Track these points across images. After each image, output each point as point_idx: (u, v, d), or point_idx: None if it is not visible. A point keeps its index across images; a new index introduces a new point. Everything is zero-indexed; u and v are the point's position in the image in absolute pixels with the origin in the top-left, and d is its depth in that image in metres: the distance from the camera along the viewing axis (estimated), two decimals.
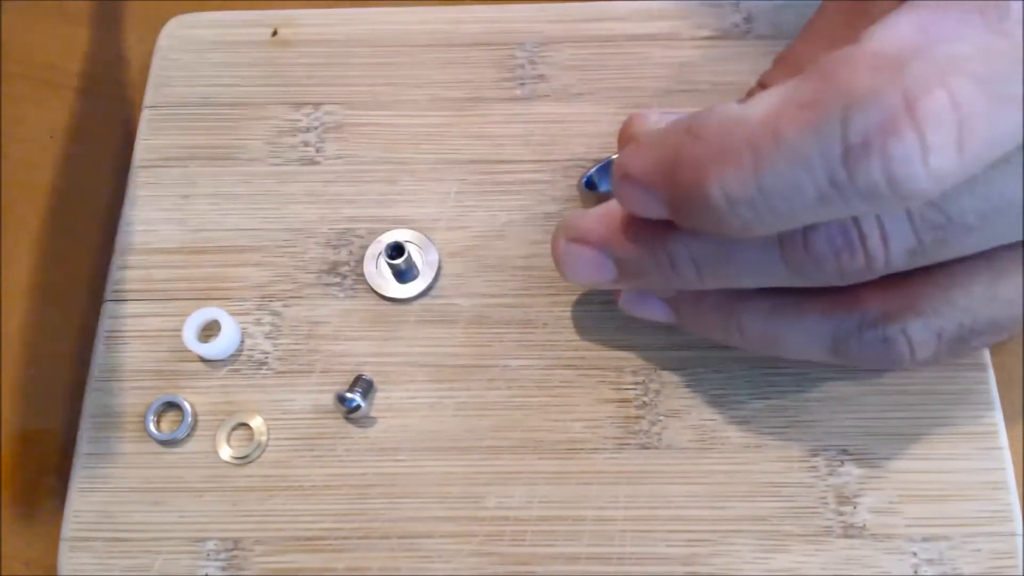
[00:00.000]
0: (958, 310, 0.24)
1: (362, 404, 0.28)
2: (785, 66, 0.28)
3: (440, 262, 0.31)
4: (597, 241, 0.25)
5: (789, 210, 0.20)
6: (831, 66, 0.20)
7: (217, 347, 0.30)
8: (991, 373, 0.29)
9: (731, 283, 0.24)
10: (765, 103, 0.20)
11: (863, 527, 0.27)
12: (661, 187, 0.22)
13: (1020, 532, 0.27)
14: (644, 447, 0.28)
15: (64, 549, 0.28)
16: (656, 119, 0.27)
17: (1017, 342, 0.30)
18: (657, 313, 0.28)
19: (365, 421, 0.29)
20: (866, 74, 0.19)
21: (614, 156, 0.28)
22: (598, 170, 0.30)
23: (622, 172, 0.23)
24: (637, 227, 0.25)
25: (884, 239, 0.22)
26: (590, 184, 0.30)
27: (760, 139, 0.20)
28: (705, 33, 0.34)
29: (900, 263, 0.22)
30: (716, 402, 0.29)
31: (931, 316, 0.24)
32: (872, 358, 0.24)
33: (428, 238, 0.31)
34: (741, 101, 0.29)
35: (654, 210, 0.23)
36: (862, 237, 0.22)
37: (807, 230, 0.22)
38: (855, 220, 0.22)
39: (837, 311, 0.24)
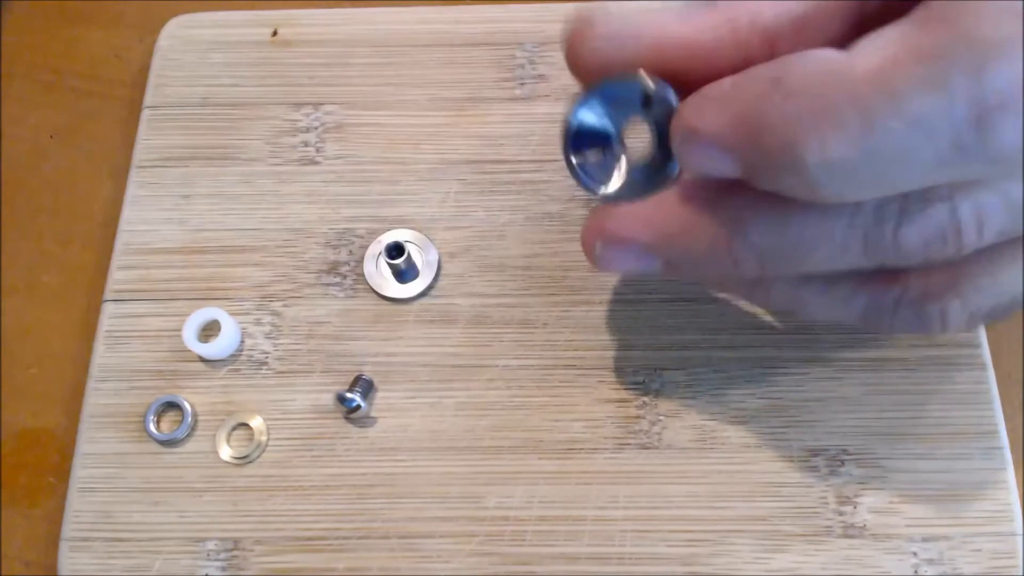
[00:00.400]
0: (997, 290, 0.22)
1: (362, 404, 0.28)
2: None
3: (440, 262, 0.31)
4: (643, 245, 0.23)
5: (895, 176, 0.18)
6: (951, 11, 0.17)
7: (217, 347, 0.30)
8: (991, 373, 0.29)
9: (795, 272, 0.23)
10: (872, 53, 0.18)
11: (863, 527, 0.27)
12: (739, 148, 0.19)
13: (1020, 532, 0.27)
14: (644, 447, 0.28)
15: (64, 549, 0.28)
16: (616, 20, 0.22)
17: (1017, 341, 0.30)
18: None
19: (365, 421, 0.29)
20: (998, 21, 0.17)
21: (580, 111, 0.23)
22: (575, 139, 0.24)
23: (689, 128, 0.20)
24: (694, 230, 0.22)
25: (980, 227, 0.20)
26: (585, 173, 0.24)
27: (871, 97, 0.18)
28: None
29: (982, 246, 0.21)
30: (716, 402, 0.29)
31: (971, 296, 0.22)
32: (902, 328, 0.23)
33: (428, 238, 0.31)
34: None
35: (725, 171, 0.20)
36: (958, 227, 0.20)
37: (899, 224, 0.20)
38: (953, 206, 0.20)
39: (874, 285, 0.23)
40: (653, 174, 0.23)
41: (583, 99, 0.23)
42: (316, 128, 0.33)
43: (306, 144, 0.33)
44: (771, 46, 0.21)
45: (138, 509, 0.28)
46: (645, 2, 0.23)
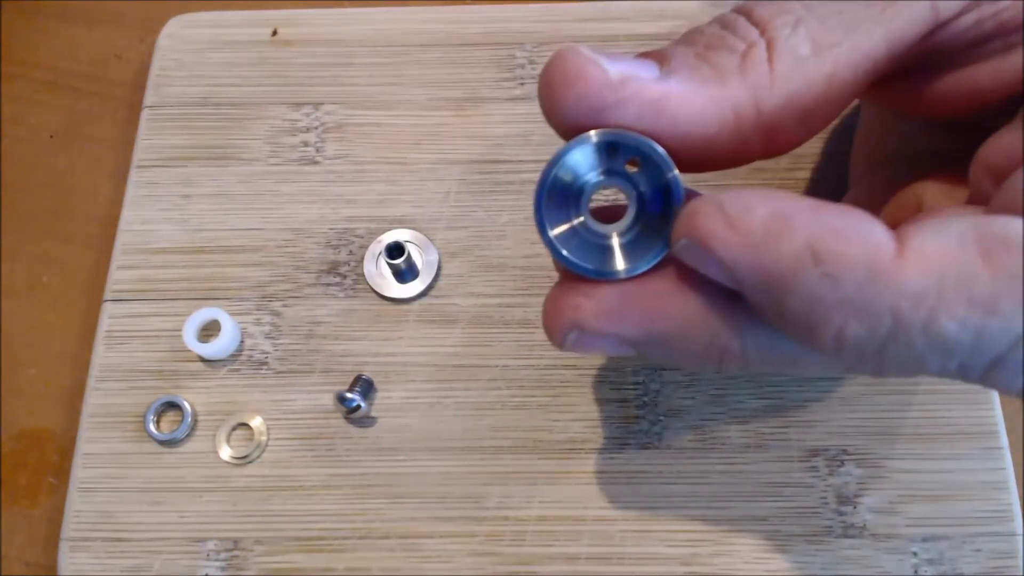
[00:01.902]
0: None
1: (362, 404, 0.28)
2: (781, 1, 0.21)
3: (440, 262, 0.31)
4: (626, 338, 0.20)
5: (894, 363, 0.18)
6: (1020, 257, 0.17)
7: (217, 347, 0.30)
8: None
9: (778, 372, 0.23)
10: (925, 270, 0.17)
11: (863, 527, 0.27)
12: (751, 290, 0.18)
13: (1020, 532, 0.27)
14: (644, 447, 0.28)
15: (64, 549, 0.28)
16: (616, 72, 0.19)
17: None
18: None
19: (365, 421, 0.29)
20: None
21: (557, 169, 0.20)
22: (546, 207, 0.21)
23: (700, 242, 0.18)
24: (691, 333, 0.20)
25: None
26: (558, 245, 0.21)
27: (911, 316, 0.17)
28: None
29: None
30: (716, 402, 0.29)
31: None
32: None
33: (428, 238, 0.31)
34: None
35: (724, 282, 0.19)
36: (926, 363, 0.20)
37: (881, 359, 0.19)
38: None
39: None
40: (639, 250, 0.20)
41: (558, 160, 0.20)
42: (316, 128, 0.33)
43: (306, 144, 0.33)
44: (769, 137, 0.20)
45: (138, 509, 0.28)
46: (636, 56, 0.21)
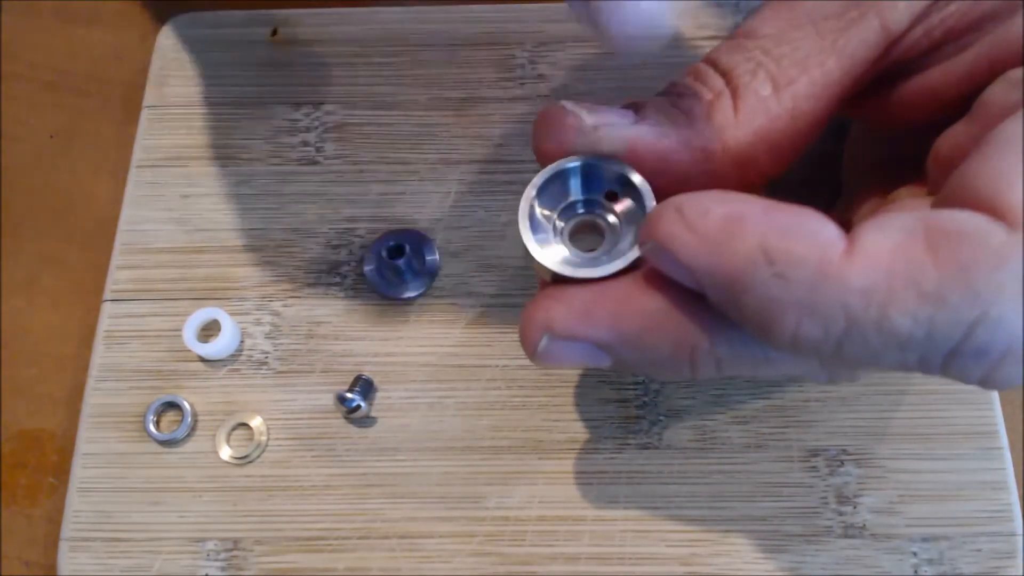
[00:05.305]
0: None
1: (362, 404, 0.28)
2: (742, 49, 0.22)
3: (440, 262, 0.31)
4: (596, 340, 0.21)
5: (853, 359, 0.19)
6: (965, 248, 0.17)
7: (217, 347, 0.30)
8: None
9: (751, 376, 0.23)
10: (872, 267, 0.17)
11: (863, 527, 0.27)
12: (711, 290, 0.19)
13: (1020, 532, 0.27)
14: (644, 447, 0.28)
15: (64, 549, 0.28)
16: (591, 120, 0.22)
17: None
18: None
19: (365, 421, 0.29)
20: (1008, 279, 0.17)
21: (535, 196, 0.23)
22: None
23: (662, 246, 0.19)
24: (660, 333, 0.20)
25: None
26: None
27: (861, 312, 0.17)
28: (705, 33, 0.34)
29: None
30: (716, 402, 0.29)
31: None
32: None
33: (428, 238, 0.31)
34: (688, 91, 0.22)
35: (687, 284, 0.20)
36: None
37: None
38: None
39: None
40: (612, 256, 0.22)
41: (548, 177, 0.22)
42: (316, 128, 0.33)
43: (306, 144, 0.33)
44: (742, 169, 0.22)
45: (138, 509, 0.28)
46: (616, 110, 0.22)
